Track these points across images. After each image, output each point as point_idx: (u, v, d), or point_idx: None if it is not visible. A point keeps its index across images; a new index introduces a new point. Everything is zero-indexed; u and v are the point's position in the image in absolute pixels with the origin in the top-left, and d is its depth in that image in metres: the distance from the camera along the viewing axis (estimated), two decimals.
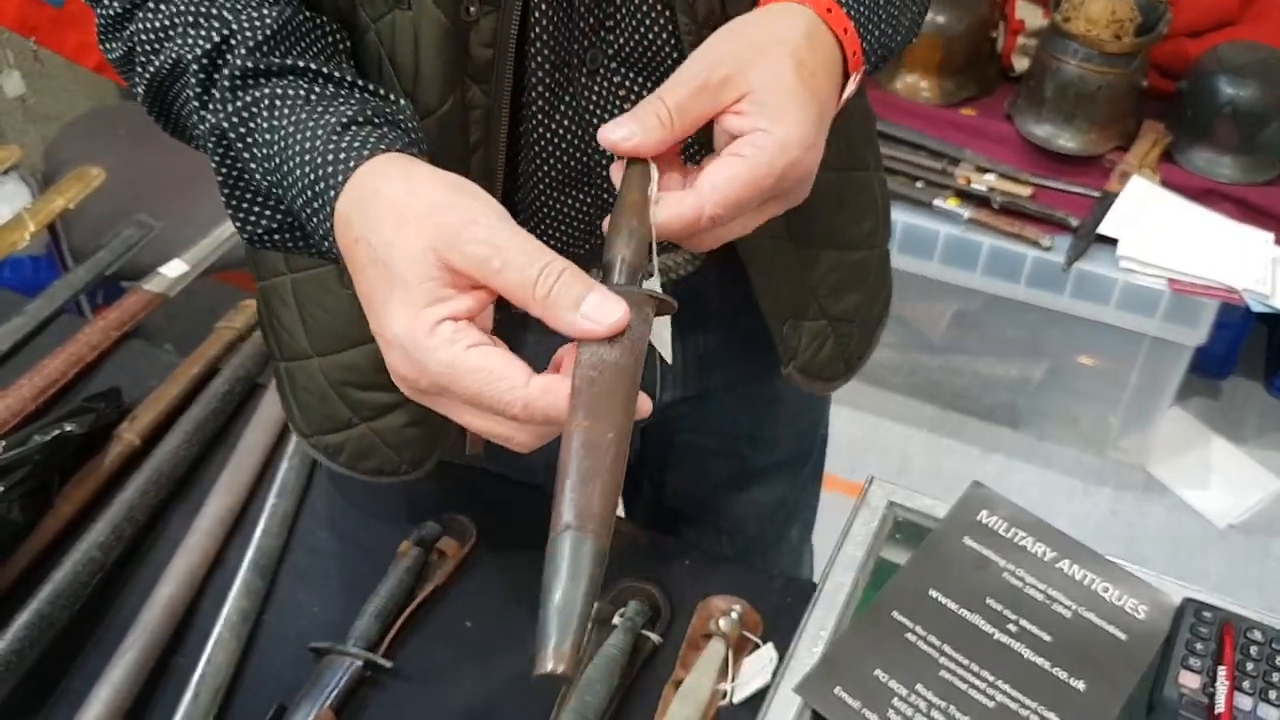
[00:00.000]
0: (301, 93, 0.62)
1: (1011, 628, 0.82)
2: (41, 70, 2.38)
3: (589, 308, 0.53)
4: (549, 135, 0.74)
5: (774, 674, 0.84)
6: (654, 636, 0.90)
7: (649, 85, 0.72)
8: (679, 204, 0.58)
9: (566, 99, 0.72)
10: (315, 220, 0.60)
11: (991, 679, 0.79)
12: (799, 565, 1.25)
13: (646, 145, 0.58)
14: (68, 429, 0.98)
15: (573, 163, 0.76)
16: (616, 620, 0.90)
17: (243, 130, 0.62)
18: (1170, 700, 0.77)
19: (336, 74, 0.63)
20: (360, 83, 0.64)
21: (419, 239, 0.54)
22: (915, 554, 0.87)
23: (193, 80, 0.64)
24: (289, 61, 0.63)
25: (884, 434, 2.34)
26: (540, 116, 0.72)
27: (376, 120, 0.61)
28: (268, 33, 0.63)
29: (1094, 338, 2.11)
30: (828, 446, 1.22)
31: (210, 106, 0.63)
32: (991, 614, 0.83)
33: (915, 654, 0.80)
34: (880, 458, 2.28)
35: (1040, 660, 0.80)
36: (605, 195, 0.77)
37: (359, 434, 0.86)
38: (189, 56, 0.64)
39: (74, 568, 0.91)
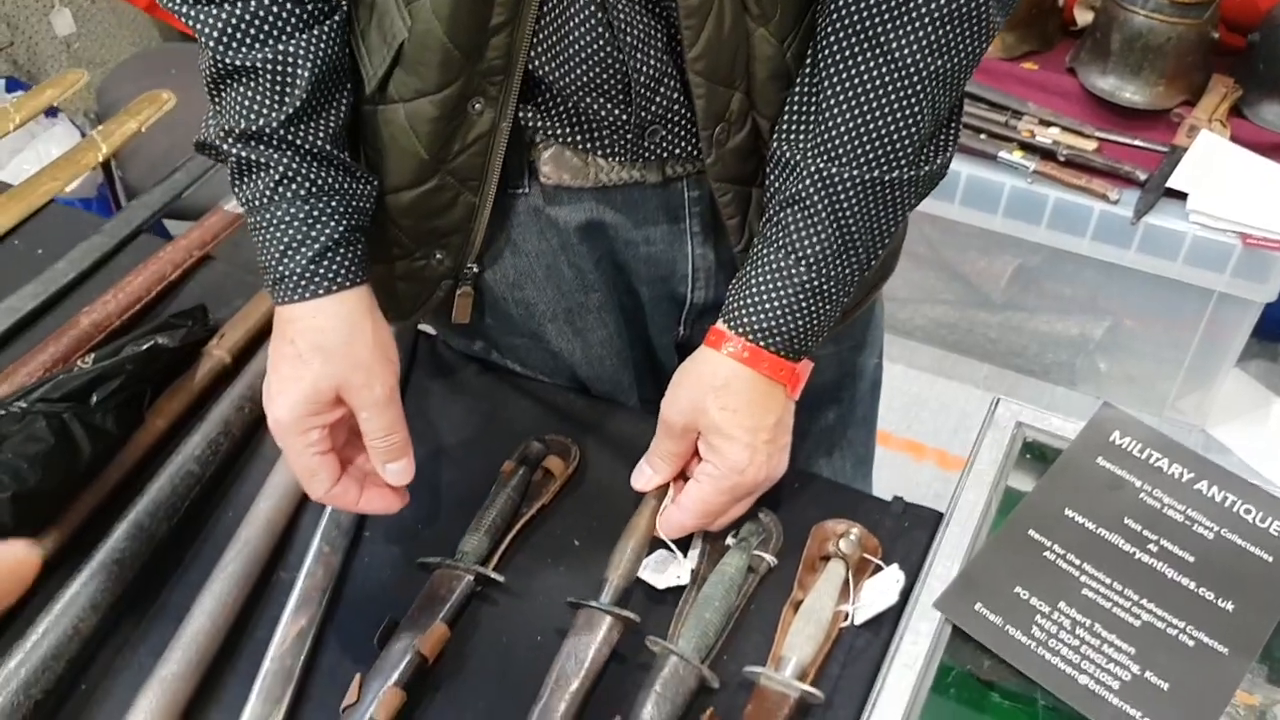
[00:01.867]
0: (307, 185, 0.77)
1: (1152, 548, 0.79)
2: (89, 13, 2.35)
3: (391, 469, 0.81)
4: (586, 45, 0.75)
5: (901, 594, 0.81)
6: (769, 557, 0.87)
7: (661, 7, 0.75)
8: (670, 518, 0.85)
9: (599, 14, 0.74)
10: (269, 275, 0.78)
11: (1136, 598, 0.76)
12: None
13: (664, 480, 0.87)
14: (160, 341, 0.96)
15: (606, 74, 0.77)
16: (730, 541, 0.88)
17: (238, 175, 0.78)
18: None
19: (339, 156, 0.78)
20: (350, 165, 0.79)
21: (336, 376, 0.77)
22: (1047, 474, 0.84)
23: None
24: (307, 143, 0.76)
25: (939, 392, 2.30)
26: (575, 24, 0.75)
27: (350, 240, 0.78)
28: (300, 103, 0.75)
29: (1159, 294, 2.07)
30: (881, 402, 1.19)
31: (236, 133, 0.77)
32: (1131, 534, 0.80)
33: (1055, 572, 0.78)
34: (935, 415, 2.25)
35: (1185, 580, 0.77)
36: (644, 112, 0.79)
37: None
38: (241, 63, 0.75)
39: (170, 480, 0.89)
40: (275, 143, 0.76)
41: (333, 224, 0.77)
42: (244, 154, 0.76)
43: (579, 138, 0.82)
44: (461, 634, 0.82)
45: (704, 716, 0.76)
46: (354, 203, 0.79)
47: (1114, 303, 2.18)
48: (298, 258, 0.77)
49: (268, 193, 0.76)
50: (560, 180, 0.86)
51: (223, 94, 0.77)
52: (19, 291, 1.08)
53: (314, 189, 0.77)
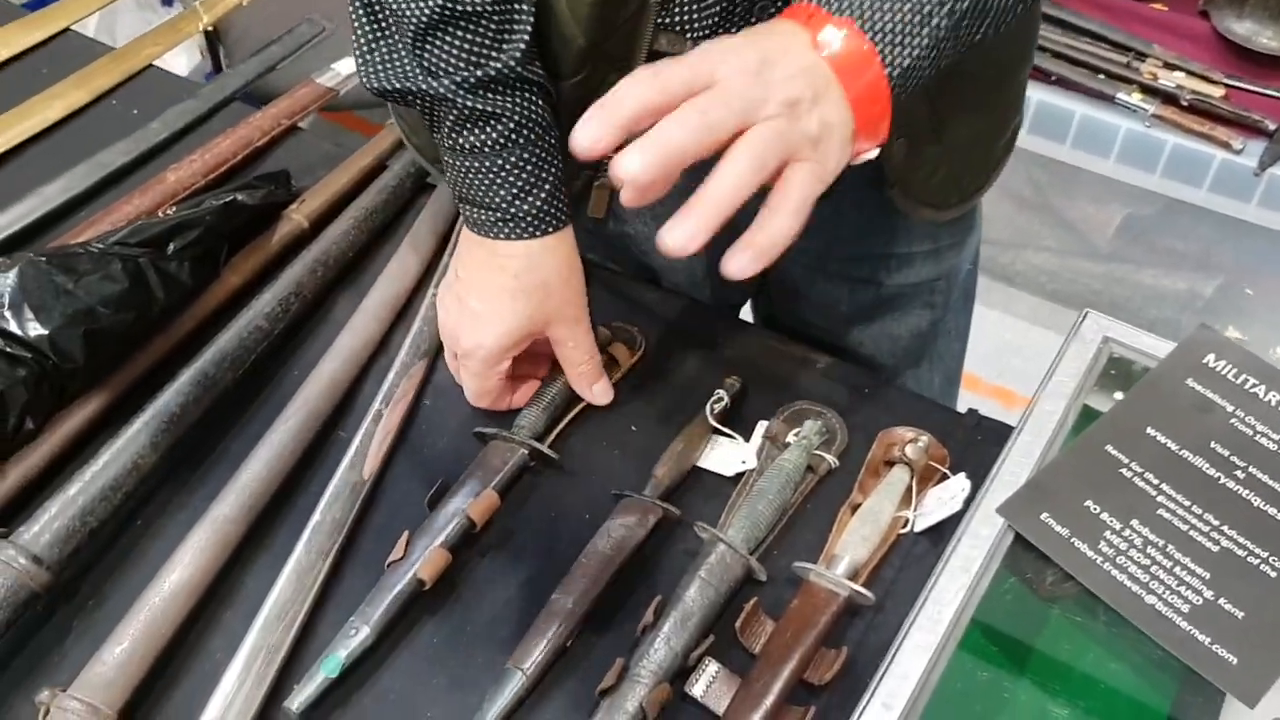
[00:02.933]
0: (539, 127, 0.77)
1: (1239, 474, 0.75)
2: None
3: (597, 389, 0.87)
4: None
5: (965, 504, 0.78)
6: (830, 458, 0.85)
7: None
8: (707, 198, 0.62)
9: None
10: (495, 213, 0.78)
11: (1215, 522, 0.72)
12: None
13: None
14: (240, 198, 0.96)
15: None
16: (790, 439, 0.85)
17: (477, 122, 0.75)
18: None
19: (547, 83, 0.78)
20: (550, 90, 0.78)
21: (552, 312, 0.82)
22: (1132, 390, 0.80)
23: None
24: (537, 75, 0.76)
25: (1034, 340, 2.23)
26: None
27: (565, 174, 0.79)
28: (528, 35, 0.74)
29: (1277, 253, 1.97)
30: (969, 349, 1.15)
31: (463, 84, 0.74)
32: (1216, 458, 0.75)
33: (1130, 490, 0.74)
34: (1026, 364, 2.18)
35: (1273, 510, 0.73)
36: None
37: None
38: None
39: (239, 333, 0.89)
40: (511, 85, 0.74)
41: (555, 161, 0.78)
42: (477, 105, 0.74)
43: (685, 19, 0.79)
44: (511, 505, 0.82)
45: (747, 606, 0.75)
46: (558, 132, 0.78)
47: (1228, 260, 2.08)
48: (531, 199, 0.77)
49: (501, 140, 0.76)
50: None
51: (438, 41, 0.73)
52: (111, 147, 1.09)
53: (542, 128, 0.77)
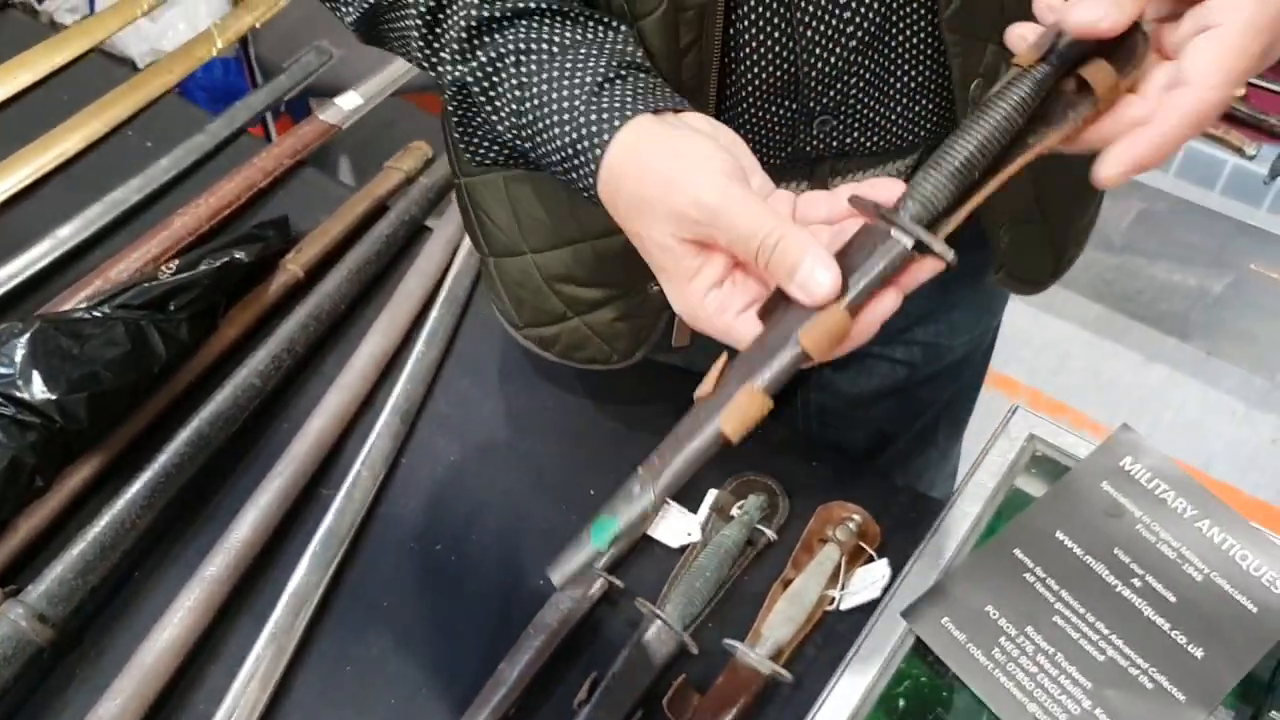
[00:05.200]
0: (545, 45, 0.63)
1: (1136, 582, 0.80)
2: None
3: (800, 277, 0.55)
4: (760, 43, 0.71)
5: (884, 590, 0.85)
6: (769, 533, 0.91)
7: None
8: (1178, 101, 0.53)
9: (777, 6, 0.69)
10: (574, 175, 0.63)
11: (1105, 632, 0.78)
12: (943, 462, 1.22)
13: (1120, 22, 0.52)
14: (237, 256, 1.03)
15: (780, 73, 0.72)
16: (734, 512, 0.92)
17: (486, 85, 0.65)
18: None
19: (568, 9, 0.64)
20: (593, 16, 0.65)
21: (661, 227, 0.59)
22: (1048, 492, 0.85)
23: (415, 19, 0.65)
24: (521, 3, 0.63)
25: (1044, 328, 2.26)
26: (751, 19, 0.69)
27: (623, 73, 0.63)
28: None
29: None
30: None
31: (444, 55, 0.65)
32: (1117, 565, 0.81)
33: (1031, 595, 0.80)
34: (1037, 353, 2.21)
35: (1161, 620, 0.78)
36: (811, 104, 0.74)
37: (572, 327, 0.88)
38: None
39: (234, 392, 0.96)
40: (491, 25, 0.64)
41: (587, 65, 0.64)
42: None
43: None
44: (467, 570, 0.89)
45: (676, 682, 0.82)
46: (610, 50, 0.65)
47: (1241, 257, 2.09)
48: (569, 118, 0.63)
49: (501, 86, 0.65)
50: None
51: None
52: (125, 185, 1.16)
53: (552, 51, 0.65)
